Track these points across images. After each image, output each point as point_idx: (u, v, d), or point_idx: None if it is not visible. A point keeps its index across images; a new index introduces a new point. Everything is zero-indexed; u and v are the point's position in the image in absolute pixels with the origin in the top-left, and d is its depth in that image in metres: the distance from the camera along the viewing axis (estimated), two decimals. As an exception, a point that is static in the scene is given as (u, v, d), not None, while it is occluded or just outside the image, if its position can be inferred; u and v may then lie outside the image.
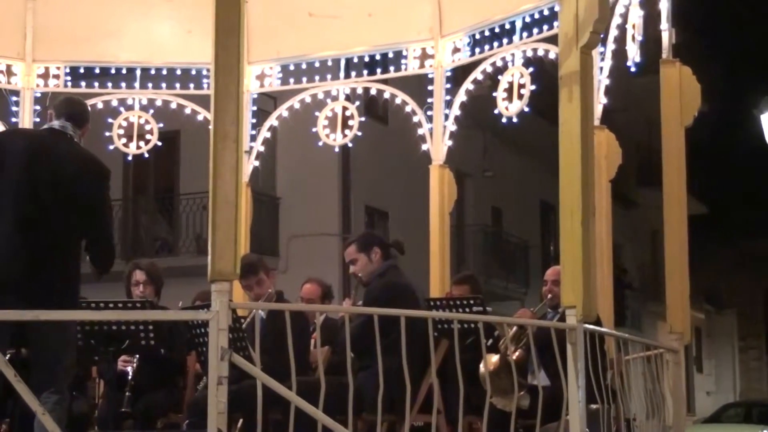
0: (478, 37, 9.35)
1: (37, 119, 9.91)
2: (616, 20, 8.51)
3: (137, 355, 7.64)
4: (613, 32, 8.53)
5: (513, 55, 8.99)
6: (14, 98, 9.76)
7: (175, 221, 22.10)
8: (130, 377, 7.64)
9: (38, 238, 5.86)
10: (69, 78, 10.09)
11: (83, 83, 10.28)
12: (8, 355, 5.70)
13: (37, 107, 9.90)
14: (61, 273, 5.92)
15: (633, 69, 8.59)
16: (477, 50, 9.36)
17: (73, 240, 6.02)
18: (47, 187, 5.91)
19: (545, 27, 8.70)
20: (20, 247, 5.84)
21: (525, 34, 8.88)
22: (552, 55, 8.52)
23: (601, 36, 6.67)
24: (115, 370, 7.60)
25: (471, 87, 9.45)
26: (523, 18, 8.89)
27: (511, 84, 8.93)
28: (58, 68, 10.06)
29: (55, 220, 5.91)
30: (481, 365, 7.02)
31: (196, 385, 8.09)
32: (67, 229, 5.96)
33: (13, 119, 9.65)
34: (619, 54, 8.60)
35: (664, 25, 8.16)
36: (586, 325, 6.09)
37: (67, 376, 5.98)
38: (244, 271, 6.52)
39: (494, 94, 9.05)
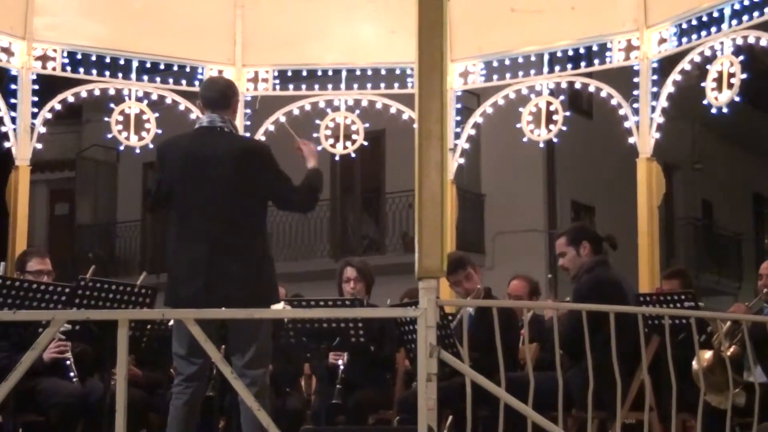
0: (684, 26, 9.15)
1: (248, 122, 10.20)
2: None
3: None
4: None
5: (722, 43, 8.76)
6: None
7: (381, 220, 22.34)
8: (341, 370, 7.76)
9: (218, 242, 5.94)
10: (277, 81, 10.35)
11: (291, 86, 10.54)
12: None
13: (248, 110, 10.20)
14: (249, 268, 5.98)
15: None
16: (684, 40, 9.16)
17: (253, 231, 6.07)
18: (208, 189, 5.99)
19: (755, 14, 8.45)
20: (203, 255, 5.93)
21: (734, 22, 8.64)
22: (763, 43, 8.29)
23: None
24: (326, 366, 7.75)
25: (678, 78, 9.25)
26: (732, 5, 8.65)
27: (720, 73, 8.71)
28: (267, 72, 10.34)
29: (226, 219, 5.97)
30: (694, 362, 6.86)
31: (405, 382, 8.17)
32: (242, 223, 6.01)
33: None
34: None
35: None
36: (805, 321, 5.89)
37: (260, 367, 6.06)
38: (452, 267, 6.53)
39: (703, 84, 8.85)
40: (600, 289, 6.94)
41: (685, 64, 9.16)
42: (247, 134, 9.83)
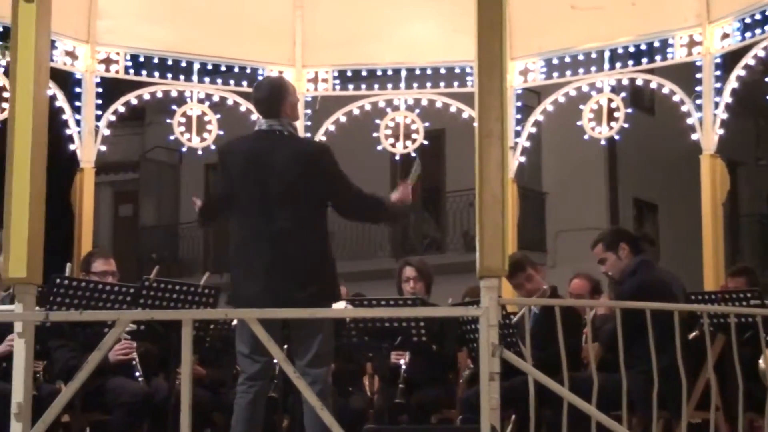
0: (748, 21, 9.04)
1: (308, 123, 10.23)
2: None
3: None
4: None
5: (787, 37, 8.66)
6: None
7: (442, 219, 22.32)
8: (403, 369, 7.76)
9: (280, 244, 5.99)
10: (337, 81, 10.38)
11: (350, 86, 10.56)
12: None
13: (308, 111, 10.23)
14: (310, 269, 6.04)
15: None
16: (747, 35, 9.06)
17: (313, 233, 6.12)
18: (269, 193, 6.04)
19: (821, 7, 8.35)
20: (265, 256, 6.00)
21: (799, 15, 8.54)
22: (829, 36, 8.16)
23: None
24: (388, 365, 7.75)
25: (742, 73, 9.15)
26: (798, -2, 8.56)
27: (785, 68, 8.62)
28: (327, 72, 10.37)
29: (287, 221, 6.01)
30: (761, 360, 6.78)
31: (467, 381, 8.15)
32: (303, 226, 6.05)
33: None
34: None
35: None
36: None
37: (322, 366, 6.07)
38: (511, 270, 6.49)
39: (767, 79, 8.74)
40: (645, 293, 6.80)
41: (748, 59, 9.06)
42: (308, 134, 9.88)
